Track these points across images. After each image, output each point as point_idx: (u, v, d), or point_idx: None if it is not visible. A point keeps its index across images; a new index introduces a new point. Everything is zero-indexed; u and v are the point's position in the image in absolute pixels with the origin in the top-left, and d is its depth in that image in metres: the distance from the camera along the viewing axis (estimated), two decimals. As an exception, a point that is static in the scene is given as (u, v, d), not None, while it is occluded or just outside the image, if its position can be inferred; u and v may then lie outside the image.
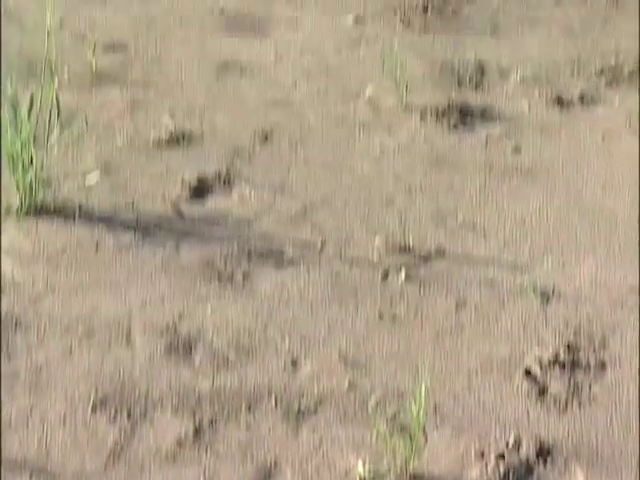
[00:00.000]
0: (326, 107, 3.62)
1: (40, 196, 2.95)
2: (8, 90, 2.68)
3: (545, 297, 2.72)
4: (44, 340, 2.45)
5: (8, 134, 2.68)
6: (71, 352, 2.42)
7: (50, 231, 2.88)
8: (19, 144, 2.71)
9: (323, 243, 2.90)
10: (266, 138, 3.43)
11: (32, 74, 3.55)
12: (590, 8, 4.42)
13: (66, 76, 3.65)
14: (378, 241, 2.92)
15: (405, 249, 2.89)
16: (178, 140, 3.35)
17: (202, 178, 3.15)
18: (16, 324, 2.50)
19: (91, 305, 2.60)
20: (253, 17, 4.16)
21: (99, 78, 3.68)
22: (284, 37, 4.04)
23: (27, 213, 2.92)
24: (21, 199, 2.89)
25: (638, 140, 3.52)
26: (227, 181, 3.15)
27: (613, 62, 3.98)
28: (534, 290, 2.74)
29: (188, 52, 3.90)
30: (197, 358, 2.41)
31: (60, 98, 3.02)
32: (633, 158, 3.42)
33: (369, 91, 3.72)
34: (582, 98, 3.76)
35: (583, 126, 3.61)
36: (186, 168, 3.20)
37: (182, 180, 3.13)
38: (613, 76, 3.89)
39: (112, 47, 3.88)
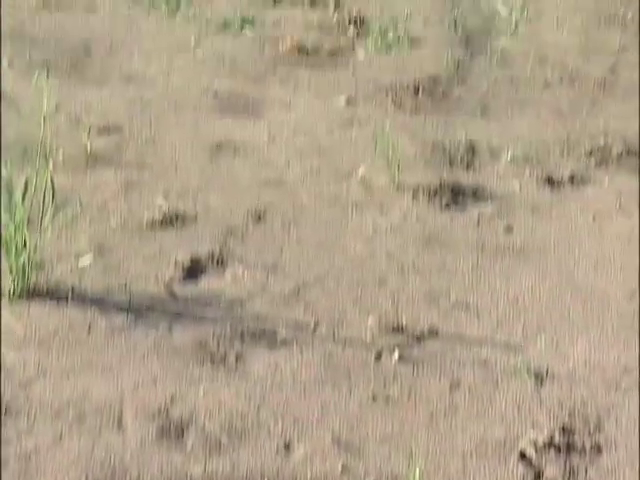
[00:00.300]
0: (319, 187, 3.65)
1: (33, 279, 2.95)
2: (4, 174, 2.70)
3: (539, 378, 2.71)
4: (34, 426, 2.43)
5: (1, 218, 2.69)
6: (61, 438, 2.39)
7: (42, 314, 2.87)
8: (13, 227, 2.73)
9: (316, 323, 2.89)
10: (259, 218, 3.44)
11: (28, 158, 3.58)
12: (578, 90, 4.49)
13: (61, 158, 3.68)
14: (371, 321, 2.91)
15: (398, 329, 2.88)
16: (171, 221, 3.36)
17: (195, 258, 3.16)
18: (6, 410, 2.48)
19: (82, 389, 2.58)
20: (246, 98, 4.22)
21: (94, 160, 3.72)
22: (277, 118, 4.09)
23: (20, 296, 2.91)
24: (14, 282, 2.90)
25: (629, 221, 3.55)
26: (220, 261, 3.16)
27: (602, 143, 4.03)
28: (528, 371, 2.73)
29: (182, 134, 3.94)
30: (189, 442, 2.39)
31: (55, 180, 3.05)
32: (624, 238, 3.44)
33: (361, 171, 3.75)
34: (572, 178, 3.80)
35: (574, 206, 3.64)
36: (179, 248, 3.21)
37: (175, 261, 3.14)
38: (602, 157, 3.94)
39: (107, 129, 3.92)
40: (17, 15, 4.74)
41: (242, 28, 4.80)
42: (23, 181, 2.77)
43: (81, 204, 3.40)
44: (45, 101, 2.68)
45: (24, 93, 4.10)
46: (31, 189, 2.87)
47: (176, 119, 4.03)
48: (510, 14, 5.15)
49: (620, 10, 5.25)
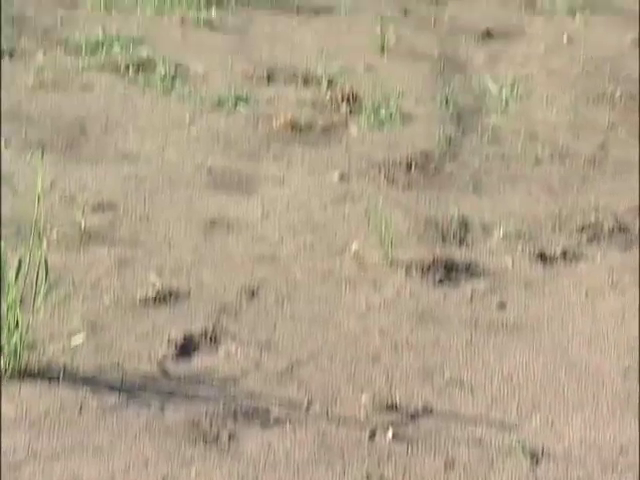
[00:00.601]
0: (312, 263, 3.66)
1: (25, 359, 2.94)
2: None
3: (534, 457, 2.68)
4: (24, 509, 2.40)
5: (-4, 297, 2.69)
6: (51, 521, 2.35)
7: (33, 394, 2.85)
8: (6, 307, 2.72)
9: (309, 401, 2.88)
10: (253, 294, 3.45)
11: (22, 236, 3.59)
12: (569, 167, 4.53)
13: (55, 236, 3.69)
14: (365, 399, 2.90)
15: (392, 407, 2.87)
16: (165, 298, 3.36)
17: (188, 336, 3.15)
18: (-5, 492, 2.45)
19: (73, 471, 2.55)
20: (240, 175, 4.25)
21: (87, 238, 3.72)
22: (271, 194, 4.12)
23: (11, 376, 2.89)
24: (5, 363, 2.88)
25: (621, 297, 3.56)
26: (213, 338, 3.15)
27: (593, 219, 4.06)
28: (523, 450, 2.71)
29: (176, 210, 3.96)
30: (180, 525, 2.35)
31: (48, 258, 3.05)
32: (617, 315, 3.44)
33: (354, 246, 3.77)
34: (564, 254, 3.81)
35: (567, 282, 3.64)
36: (172, 326, 3.20)
37: (168, 338, 3.13)
38: (594, 233, 3.96)
39: (101, 207, 3.94)
40: (14, 95, 4.80)
41: (236, 106, 4.86)
42: (16, 260, 2.77)
43: (74, 283, 3.40)
44: (39, 180, 2.70)
45: (19, 172, 4.13)
46: (24, 268, 2.88)
47: (170, 196, 4.06)
48: (500, 92, 5.23)
49: (608, 88, 5.33)
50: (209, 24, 5.86)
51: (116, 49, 5.34)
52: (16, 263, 2.80)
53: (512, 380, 3.01)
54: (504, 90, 5.22)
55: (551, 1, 6.69)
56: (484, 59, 5.67)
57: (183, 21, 5.86)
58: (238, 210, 3.98)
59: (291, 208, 4.03)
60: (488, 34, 6.02)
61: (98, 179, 4.14)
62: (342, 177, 4.29)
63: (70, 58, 5.21)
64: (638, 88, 5.35)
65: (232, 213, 3.96)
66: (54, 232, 3.71)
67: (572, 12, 6.51)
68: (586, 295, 3.56)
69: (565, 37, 6.08)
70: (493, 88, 5.25)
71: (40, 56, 5.20)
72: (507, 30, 6.15)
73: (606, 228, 3.99)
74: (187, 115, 4.73)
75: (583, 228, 3.99)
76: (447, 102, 5.04)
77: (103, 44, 5.38)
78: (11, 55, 5.17)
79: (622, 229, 4.00)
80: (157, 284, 3.45)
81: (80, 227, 3.76)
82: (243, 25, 5.91)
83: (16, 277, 2.72)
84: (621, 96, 5.22)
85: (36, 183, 2.75)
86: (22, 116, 4.56)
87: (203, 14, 5.95)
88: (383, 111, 4.88)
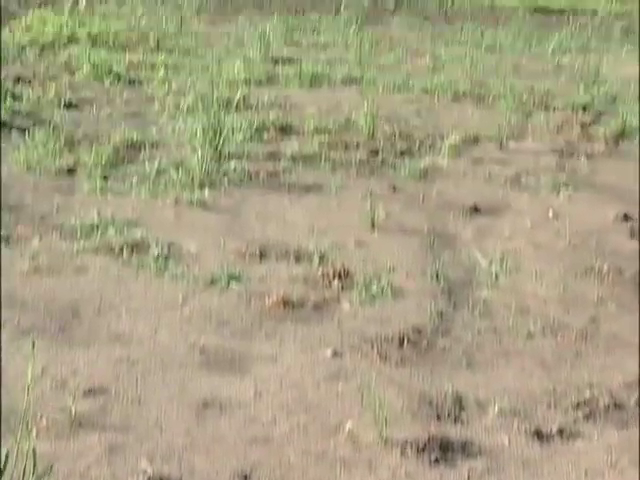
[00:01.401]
0: (306, 443, 3.61)
1: None
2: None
3: None
4: None
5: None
6: None
7: None
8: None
9: None
10: (245, 478, 3.39)
11: (10, 427, 3.52)
12: (561, 341, 4.54)
13: (45, 424, 3.65)
14: None
15: None
16: (156, 486, 3.30)
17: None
18: None
19: None
20: (233, 354, 4.25)
21: (78, 424, 3.67)
22: (263, 373, 4.10)
23: None
24: None
25: (621, 477, 3.50)
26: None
27: (588, 395, 4.03)
28: None
29: (168, 392, 3.93)
30: None
31: (37, 447, 3.00)
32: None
33: (349, 426, 3.72)
34: (561, 432, 3.77)
35: (564, 461, 3.59)
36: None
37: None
38: (590, 410, 3.92)
39: (92, 391, 3.90)
40: (9, 282, 4.83)
41: (229, 284, 4.91)
42: (4, 453, 2.73)
43: (63, 473, 3.33)
44: (30, 370, 2.70)
45: (11, 359, 4.10)
46: (12, 461, 2.83)
47: (162, 378, 4.04)
48: (490, 266, 5.30)
49: (596, 263, 5.40)
50: (202, 204, 5.99)
51: (111, 232, 5.43)
52: (3, 456, 2.75)
53: None
54: (493, 264, 5.29)
55: (535, 178, 6.88)
56: (472, 234, 5.77)
57: (177, 202, 5.99)
58: (231, 390, 3.96)
59: (284, 387, 4.01)
60: (475, 209, 6.15)
61: (90, 363, 4.13)
62: (335, 354, 4.29)
63: (65, 242, 5.28)
64: (624, 263, 5.43)
65: (225, 393, 3.93)
66: (44, 419, 3.67)
67: (556, 188, 6.68)
68: (585, 475, 3.49)
69: (550, 212, 6.21)
70: (482, 262, 5.32)
71: (36, 242, 5.27)
72: (494, 205, 6.29)
73: (602, 405, 3.96)
74: (180, 295, 4.76)
75: (578, 405, 3.96)
76: (437, 276, 5.10)
77: (98, 227, 5.47)
78: (8, 242, 5.24)
79: (618, 406, 3.97)
80: (148, 471, 3.39)
81: (71, 413, 3.71)
82: (235, 204, 6.04)
83: (2, 470, 2.67)
84: (608, 270, 5.29)
85: (27, 372, 2.74)
86: (16, 302, 4.58)
87: (196, 195, 6.09)
88: (374, 286, 4.93)
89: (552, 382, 4.15)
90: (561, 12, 17.11)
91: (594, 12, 16.92)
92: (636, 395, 4.01)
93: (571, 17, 16.06)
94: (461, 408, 3.90)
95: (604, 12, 16.79)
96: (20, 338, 4.23)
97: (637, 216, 6.12)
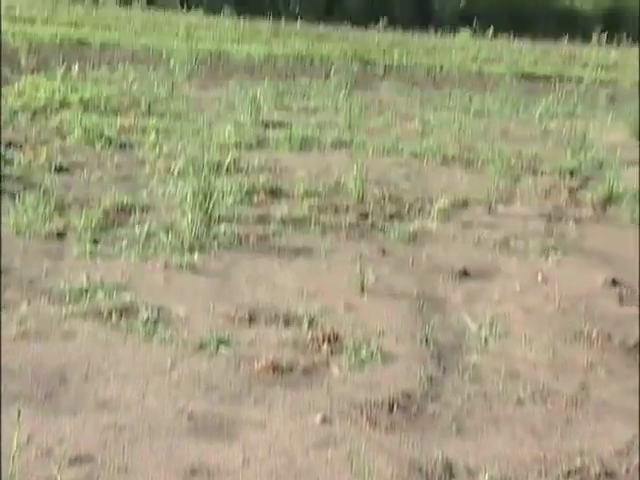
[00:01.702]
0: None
1: None
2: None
3: None
4: None
5: None
6: None
7: None
8: None
9: None
10: None
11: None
12: (551, 407, 4.51)
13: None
14: None
15: None
16: None
17: None
18: None
19: None
20: (221, 419, 4.21)
21: (63, 492, 3.63)
22: (252, 439, 4.06)
23: None
24: None
25: None
26: None
27: (579, 463, 3.99)
28: None
29: (156, 459, 3.89)
30: None
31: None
32: None
33: None
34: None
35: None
36: None
37: None
38: (580, 478, 3.89)
39: (78, 459, 3.84)
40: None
41: (218, 348, 4.89)
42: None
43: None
44: (15, 439, 2.66)
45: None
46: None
47: (150, 444, 3.99)
48: (479, 330, 5.29)
49: (585, 327, 5.41)
50: (192, 268, 5.98)
51: (100, 296, 5.41)
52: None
53: None
54: (483, 328, 5.28)
55: (524, 242, 6.92)
56: (462, 297, 5.77)
57: (166, 266, 5.98)
58: (218, 457, 3.92)
59: (273, 453, 3.97)
60: (465, 273, 6.17)
61: (76, 430, 4.07)
62: (324, 420, 4.25)
63: (54, 307, 5.24)
64: (613, 328, 5.43)
65: (212, 460, 3.89)
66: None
67: (545, 253, 6.71)
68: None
69: (539, 276, 6.23)
70: (472, 326, 5.32)
71: (24, 306, 5.23)
72: (483, 269, 6.31)
73: (593, 473, 3.93)
74: (169, 360, 4.73)
75: (569, 473, 3.92)
76: (427, 341, 5.09)
77: (87, 291, 5.44)
78: (-4, 306, 5.22)
79: (609, 474, 3.94)
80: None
81: (55, 484, 3.66)
82: (225, 268, 6.04)
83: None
84: (598, 335, 5.29)
85: (12, 440, 2.70)
86: (3, 368, 4.53)
87: (186, 258, 6.09)
88: (364, 351, 4.91)
89: (543, 449, 4.11)
90: (547, 79, 17.39)
91: (579, 79, 17.21)
92: (627, 463, 3.98)
93: (557, 84, 16.32)
94: (451, 476, 3.86)
95: (589, 79, 17.06)
96: (6, 405, 4.18)
97: (625, 281, 6.14)
